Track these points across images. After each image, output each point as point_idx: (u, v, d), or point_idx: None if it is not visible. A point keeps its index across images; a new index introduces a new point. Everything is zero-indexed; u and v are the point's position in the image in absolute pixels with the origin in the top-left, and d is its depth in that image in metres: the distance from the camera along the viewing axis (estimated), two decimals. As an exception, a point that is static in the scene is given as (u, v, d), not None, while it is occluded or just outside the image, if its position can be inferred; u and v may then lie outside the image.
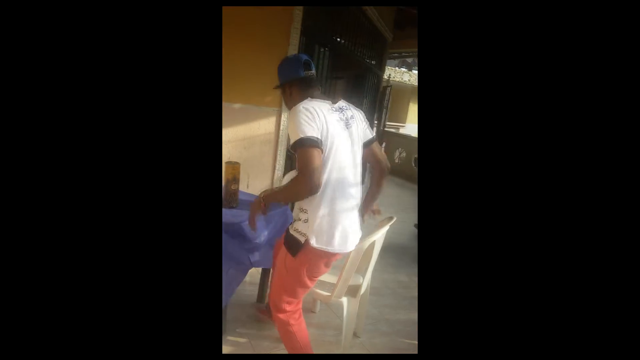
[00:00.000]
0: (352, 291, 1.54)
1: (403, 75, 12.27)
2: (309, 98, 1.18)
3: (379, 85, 5.05)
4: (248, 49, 2.33)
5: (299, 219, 1.19)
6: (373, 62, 4.48)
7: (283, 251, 1.24)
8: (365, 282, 1.60)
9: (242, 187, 2.19)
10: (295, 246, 1.18)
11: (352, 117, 1.23)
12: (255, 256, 1.63)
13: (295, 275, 1.23)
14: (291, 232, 1.21)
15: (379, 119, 6.12)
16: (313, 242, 1.15)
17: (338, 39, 3.33)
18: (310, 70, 1.25)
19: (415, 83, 11.64)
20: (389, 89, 5.83)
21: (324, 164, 1.10)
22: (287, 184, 1.16)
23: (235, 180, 1.72)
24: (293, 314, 1.30)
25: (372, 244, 1.46)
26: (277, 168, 2.72)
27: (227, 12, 2.15)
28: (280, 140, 2.67)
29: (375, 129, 5.96)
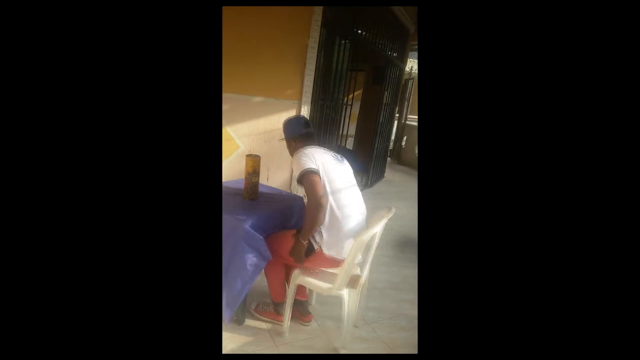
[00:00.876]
0: (353, 282, 1.55)
1: (425, 68, 11.92)
2: (307, 146, 1.58)
3: (401, 77, 4.95)
4: (268, 42, 2.34)
5: (315, 234, 1.50)
6: (394, 54, 4.39)
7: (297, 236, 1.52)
8: (365, 273, 1.61)
9: (262, 180, 2.21)
10: (309, 251, 1.50)
11: (341, 158, 1.64)
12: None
13: (305, 263, 1.53)
14: (311, 246, 1.51)
15: (400, 112, 6.01)
16: (325, 251, 1.49)
17: (359, 31, 3.28)
18: (309, 127, 1.67)
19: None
20: (411, 81, 5.71)
21: (325, 190, 1.45)
22: (305, 216, 1.48)
23: (256, 172, 1.73)
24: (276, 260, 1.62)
25: (374, 236, 1.50)
26: (296, 161, 2.73)
27: (247, 8, 2.16)
28: (300, 133, 2.67)
29: (396, 122, 5.86)
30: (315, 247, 1.50)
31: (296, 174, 1.48)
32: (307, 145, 1.60)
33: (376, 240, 1.58)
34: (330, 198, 1.46)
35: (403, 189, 4.81)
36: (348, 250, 1.45)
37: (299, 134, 1.65)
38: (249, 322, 1.71)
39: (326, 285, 1.51)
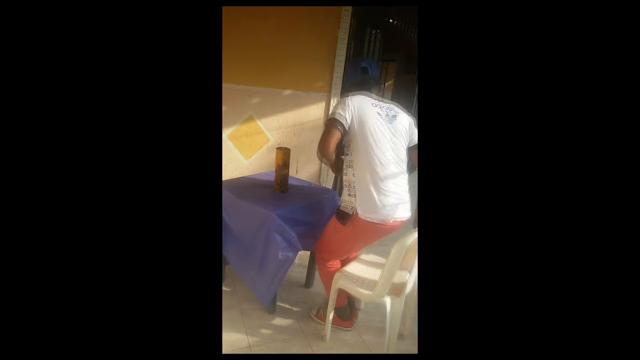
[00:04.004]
0: (396, 290, 1.44)
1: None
2: (357, 93, 1.42)
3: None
4: (298, 34, 2.33)
5: (348, 195, 1.45)
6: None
7: (334, 219, 1.52)
8: (412, 279, 1.49)
9: (292, 172, 2.23)
10: (345, 216, 1.45)
11: (394, 115, 1.45)
12: (305, 241, 1.66)
13: (342, 239, 1.51)
14: (341, 208, 1.49)
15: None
16: (360, 213, 1.39)
17: (390, 20, 3.19)
18: (367, 73, 1.50)
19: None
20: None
21: (355, 145, 1.39)
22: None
23: (286, 165, 1.75)
24: (327, 261, 1.60)
25: (416, 240, 1.33)
26: (326, 154, 2.73)
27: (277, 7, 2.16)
28: (329, 126, 2.66)
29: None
30: (350, 211, 1.42)
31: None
32: (358, 92, 1.44)
33: None
34: (362, 156, 1.36)
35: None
36: (381, 213, 1.35)
37: (354, 81, 1.51)
38: (278, 317, 1.75)
39: (366, 292, 1.41)
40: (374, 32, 2.91)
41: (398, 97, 4.71)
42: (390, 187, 1.38)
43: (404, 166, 1.46)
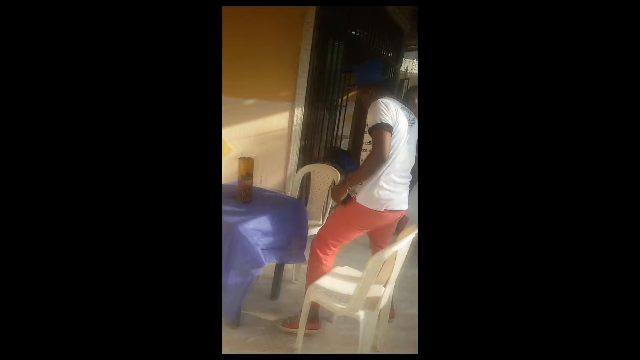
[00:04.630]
0: (371, 303, 1.41)
1: (421, 68, 11.97)
2: (386, 97, 1.47)
3: (396, 78, 4.95)
4: (261, 43, 2.33)
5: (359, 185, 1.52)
6: (389, 54, 4.39)
7: (341, 207, 1.59)
8: (387, 294, 1.47)
9: (256, 182, 2.20)
10: (347, 199, 1.55)
11: (414, 119, 1.55)
12: (270, 252, 1.63)
13: (338, 220, 1.60)
14: (350, 193, 1.55)
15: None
16: (358, 199, 1.49)
17: (353, 32, 3.27)
18: (386, 75, 1.56)
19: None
20: (406, 81, 5.71)
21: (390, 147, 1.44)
22: (362, 164, 1.47)
23: (249, 175, 1.73)
24: (327, 256, 1.61)
25: (394, 254, 1.30)
26: (290, 163, 2.72)
27: (240, 8, 2.15)
28: (293, 135, 2.66)
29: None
30: (353, 195, 1.51)
31: (369, 123, 1.41)
32: (384, 94, 1.49)
33: (401, 258, 1.37)
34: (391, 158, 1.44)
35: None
36: (378, 203, 1.45)
37: (377, 81, 1.53)
38: (244, 329, 1.70)
39: (341, 305, 1.38)
40: (336, 43, 2.97)
41: (362, 107, 4.80)
42: (395, 186, 1.48)
43: (411, 167, 1.57)
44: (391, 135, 1.39)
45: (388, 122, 1.37)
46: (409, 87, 5.79)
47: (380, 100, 1.42)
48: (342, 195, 1.53)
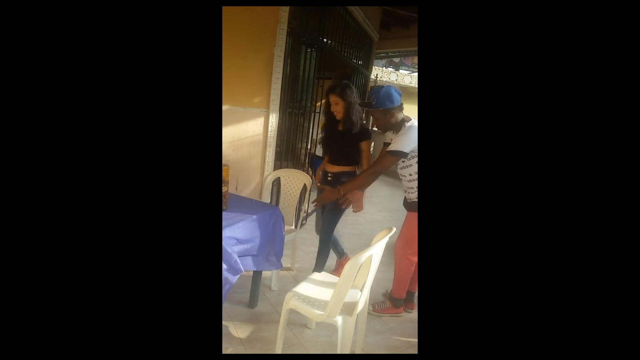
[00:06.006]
0: (348, 309, 1.42)
1: (390, 75, 12.34)
2: (412, 119, 1.68)
3: (367, 85, 5.07)
4: (234, 50, 2.31)
5: (411, 192, 1.76)
6: (360, 62, 4.50)
7: (412, 215, 1.75)
8: (363, 298, 1.48)
9: (231, 190, 2.17)
10: (340, 200, 1.75)
11: None
12: (247, 260, 1.61)
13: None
14: (412, 201, 1.76)
15: (367, 119, 6.13)
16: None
17: (324, 40, 3.33)
18: (400, 98, 1.74)
19: (402, 83, 11.73)
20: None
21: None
22: (360, 175, 1.70)
23: (225, 182, 1.70)
24: (412, 262, 1.82)
25: (369, 258, 1.32)
26: (265, 169, 2.71)
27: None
28: (268, 141, 2.65)
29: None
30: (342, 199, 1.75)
31: (397, 146, 1.60)
32: (402, 114, 1.72)
33: (376, 263, 1.39)
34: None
35: (371, 192, 4.89)
36: None
37: (395, 107, 1.70)
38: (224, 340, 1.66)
39: (317, 312, 1.38)
40: (309, 50, 3.00)
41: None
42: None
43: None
44: (399, 160, 1.64)
45: (406, 151, 1.60)
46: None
47: (415, 125, 1.63)
48: (334, 199, 1.75)
